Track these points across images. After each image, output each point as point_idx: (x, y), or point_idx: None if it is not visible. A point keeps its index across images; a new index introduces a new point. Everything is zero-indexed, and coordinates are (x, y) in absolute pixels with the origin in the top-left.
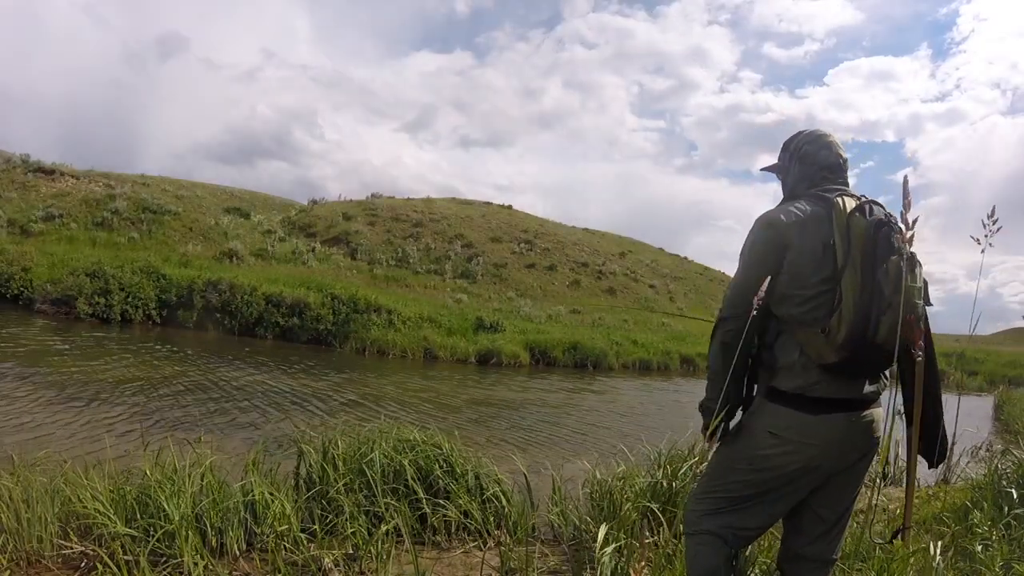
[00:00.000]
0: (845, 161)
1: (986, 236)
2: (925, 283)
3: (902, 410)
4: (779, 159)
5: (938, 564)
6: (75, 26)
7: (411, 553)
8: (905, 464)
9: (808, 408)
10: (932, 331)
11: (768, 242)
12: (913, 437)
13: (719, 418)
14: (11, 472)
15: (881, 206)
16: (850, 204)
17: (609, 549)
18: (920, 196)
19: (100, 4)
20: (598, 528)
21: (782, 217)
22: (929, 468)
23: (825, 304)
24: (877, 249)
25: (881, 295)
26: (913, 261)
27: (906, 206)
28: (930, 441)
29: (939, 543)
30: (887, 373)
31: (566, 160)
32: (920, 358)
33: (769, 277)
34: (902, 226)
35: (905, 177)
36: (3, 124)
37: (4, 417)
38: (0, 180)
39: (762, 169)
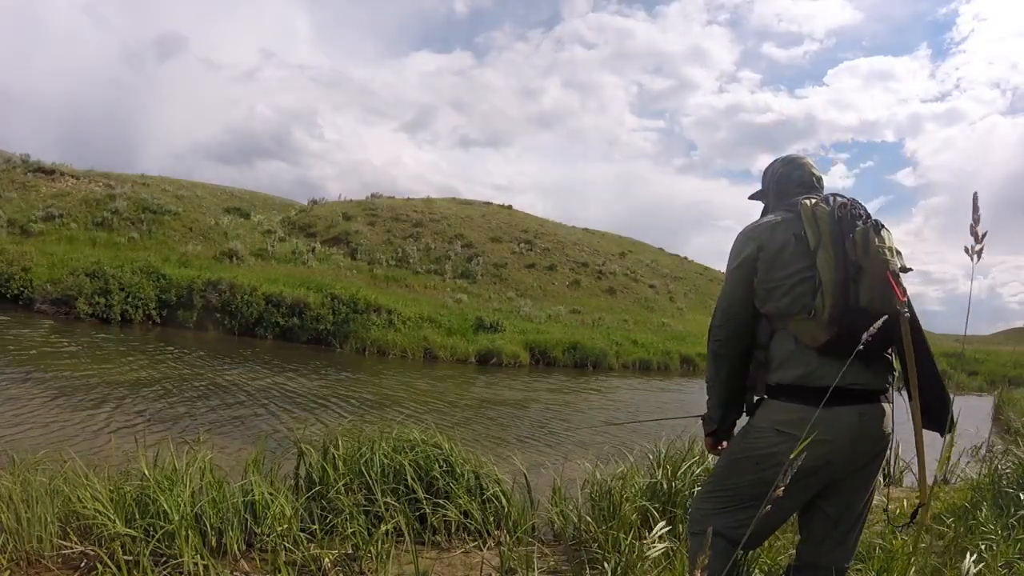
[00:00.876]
0: (819, 179)
1: (976, 248)
2: (897, 250)
3: (900, 387)
4: (762, 183)
5: (968, 570)
6: (75, 26)
7: (411, 553)
8: (906, 463)
9: (814, 400)
10: (932, 332)
11: (743, 249)
12: (915, 409)
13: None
14: (11, 472)
15: (844, 197)
16: (815, 200)
17: (659, 547)
18: (920, 196)
19: (100, 4)
20: (600, 528)
21: (754, 227)
22: (942, 437)
23: (808, 292)
24: (843, 225)
25: (851, 262)
26: (878, 226)
27: (976, 220)
28: (934, 410)
29: (955, 545)
30: (891, 358)
31: (566, 160)
32: (907, 314)
33: (751, 276)
34: (971, 237)
35: (975, 194)
36: (3, 124)
37: (4, 417)
38: (0, 180)
39: (750, 197)
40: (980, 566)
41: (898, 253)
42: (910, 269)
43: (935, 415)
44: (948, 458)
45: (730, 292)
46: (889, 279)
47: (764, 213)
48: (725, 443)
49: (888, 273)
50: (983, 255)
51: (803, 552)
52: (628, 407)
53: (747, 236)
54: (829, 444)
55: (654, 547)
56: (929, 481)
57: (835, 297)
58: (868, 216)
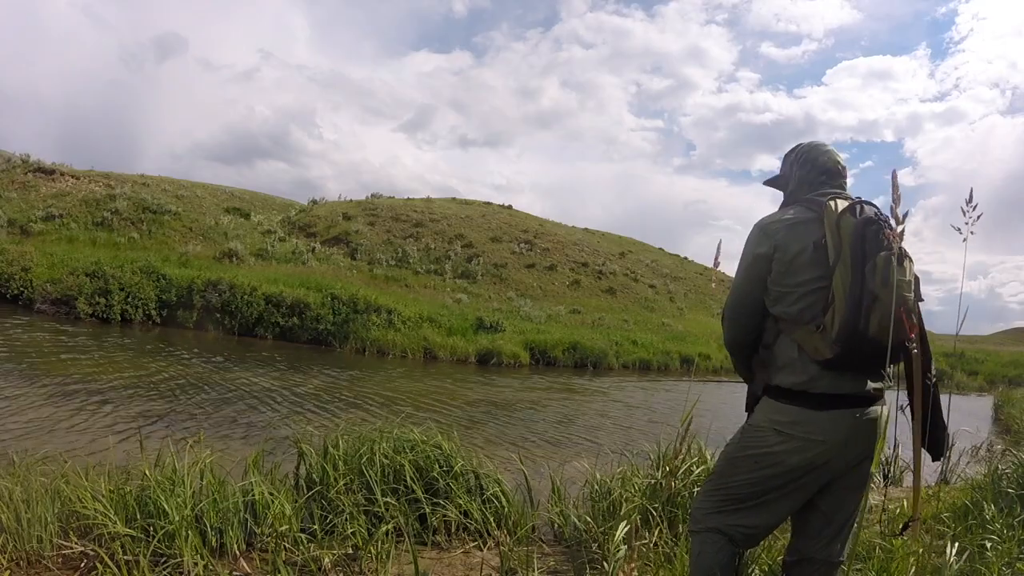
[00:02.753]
0: (843, 167)
1: (967, 224)
2: (916, 278)
3: (905, 406)
4: (781, 169)
5: (951, 563)
6: (75, 27)
7: (411, 553)
8: (906, 463)
9: (813, 404)
10: (933, 332)
11: (758, 246)
12: (916, 430)
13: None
14: (11, 472)
15: (873, 205)
16: (841, 205)
17: (624, 548)
18: (920, 196)
19: (99, 5)
20: (600, 527)
21: (772, 222)
22: (933, 461)
23: (819, 302)
24: (866, 246)
25: (868, 290)
26: (902, 256)
27: (895, 200)
28: (932, 435)
29: (955, 544)
30: (889, 371)
31: (565, 160)
32: (915, 350)
33: (764, 273)
34: (892, 222)
35: (894, 172)
36: (3, 124)
37: (4, 417)
38: (0, 180)
39: (764, 183)
40: (981, 565)
41: (917, 282)
42: (922, 300)
43: (932, 440)
44: (948, 458)
45: (740, 288)
46: (902, 316)
47: (785, 197)
48: None
49: (902, 310)
50: (982, 256)
51: (798, 546)
52: (628, 405)
53: (763, 231)
54: (823, 445)
55: (620, 549)
56: (921, 495)
57: (845, 320)
58: (894, 237)
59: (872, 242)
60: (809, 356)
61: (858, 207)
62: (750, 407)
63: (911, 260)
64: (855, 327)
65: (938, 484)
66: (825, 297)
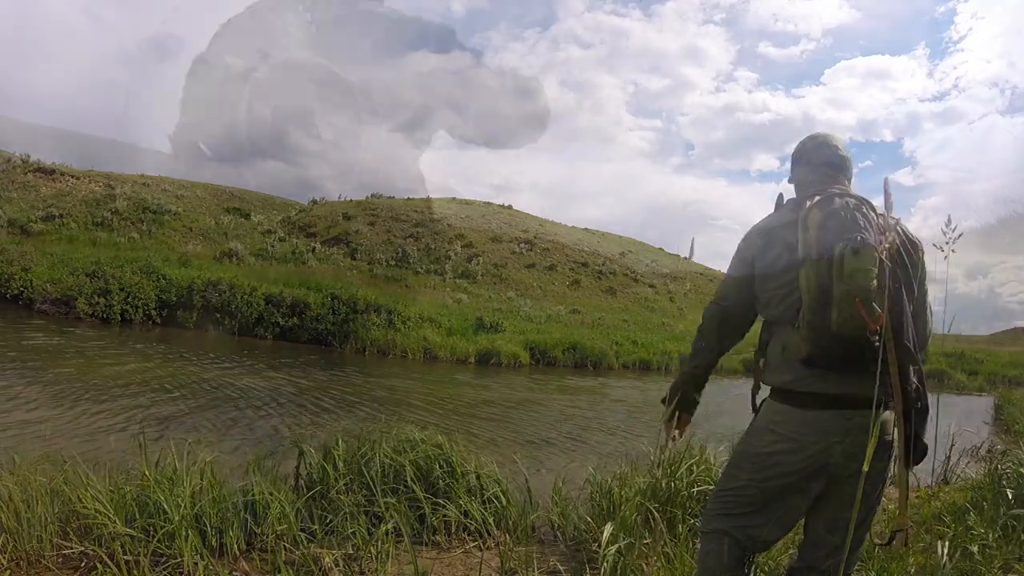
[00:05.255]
0: (844, 158)
1: (948, 243)
2: (896, 267)
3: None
4: (791, 168)
5: (944, 564)
6: (75, 27)
7: (411, 553)
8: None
9: (800, 403)
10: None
11: (743, 250)
12: (898, 433)
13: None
14: (11, 472)
15: (850, 196)
16: (815, 201)
17: (613, 548)
18: (920, 196)
19: (99, 5)
20: (600, 527)
21: (758, 229)
22: (905, 466)
23: (797, 301)
24: (828, 238)
25: (824, 284)
26: (858, 246)
27: (888, 207)
28: (905, 439)
29: (946, 544)
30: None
31: (564, 159)
32: (877, 343)
33: (746, 281)
34: (880, 222)
35: (886, 179)
36: (3, 124)
37: (4, 417)
38: (0, 180)
39: (787, 181)
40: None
41: (894, 272)
42: (881, 287)
43: (906, 444)
44: (948, 458)
45: (727, 280)
46: (859, 307)
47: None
48: (677, 429)
49: (858, 302)
50: (982, 256)
51: (803, 553)
52: (628, 405)
53: (749, 240)
54: (816, 446)
55: (609, 550)
56: (909, 504)
57: (810, 318)
58: (861, 227)
59: (834, 234)
60: (791, 354)
61: (825, 201)
62: (755, 408)
63: (914, 246)
64: (819, 322)
65: (938, 484)
66: (800, 297)
